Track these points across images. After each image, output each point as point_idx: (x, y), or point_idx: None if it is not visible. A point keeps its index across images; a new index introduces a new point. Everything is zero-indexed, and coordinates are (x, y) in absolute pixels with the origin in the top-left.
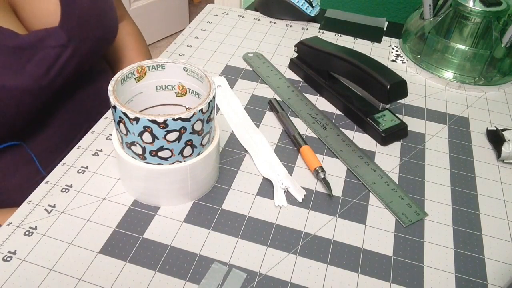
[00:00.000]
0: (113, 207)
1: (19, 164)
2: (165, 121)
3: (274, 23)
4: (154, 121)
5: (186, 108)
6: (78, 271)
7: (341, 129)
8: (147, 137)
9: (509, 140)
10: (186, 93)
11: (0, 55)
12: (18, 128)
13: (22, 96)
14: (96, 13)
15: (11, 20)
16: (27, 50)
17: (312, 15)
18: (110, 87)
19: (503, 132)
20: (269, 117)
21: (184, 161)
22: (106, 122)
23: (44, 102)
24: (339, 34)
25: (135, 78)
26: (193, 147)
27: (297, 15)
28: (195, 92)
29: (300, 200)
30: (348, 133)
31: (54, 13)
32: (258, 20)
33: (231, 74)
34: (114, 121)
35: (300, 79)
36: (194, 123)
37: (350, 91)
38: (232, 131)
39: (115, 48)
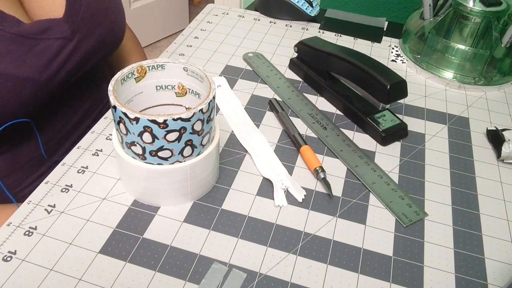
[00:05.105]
0: (113, 207)
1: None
2: (165, 121)
3: (274, 23)
4: (154, 121)
5: (186, 108)
6: (78, 271)
7: (341, 129)
8: (147, 137)
9: (509, 140)
10: (186, 93)
11: (1, 41)
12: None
13: (22, 86)
14: (102, 8)
15: (15, 8)
16: (28, 39)
17: (312, 15)
18: (110, 87)
19: (503, 132)
20: (269, 117)
21: (184, 161)
22: (106, 122)
23: (47, 96)
24: (339, 34)
25: (135, 78)
26: (193, 147)
27: (297, 15)
28: (195, 92)
29: (300, 200)
30: (348, 133)
31: (59, 6)
32: (258, 20)
33: (231, 74)
34: (114, 121)
35: (300, 79)
36: (194, 123)
37: (350, 91)
38: (232, 131)
39: (116, 52)
